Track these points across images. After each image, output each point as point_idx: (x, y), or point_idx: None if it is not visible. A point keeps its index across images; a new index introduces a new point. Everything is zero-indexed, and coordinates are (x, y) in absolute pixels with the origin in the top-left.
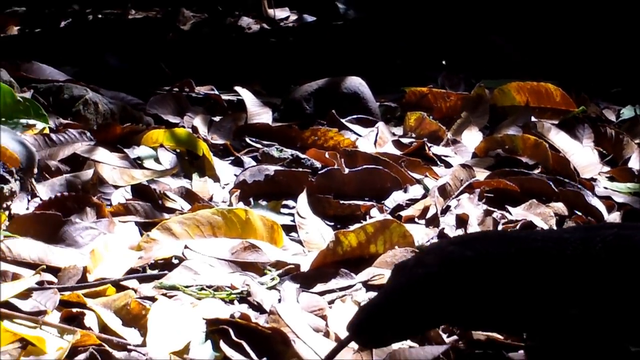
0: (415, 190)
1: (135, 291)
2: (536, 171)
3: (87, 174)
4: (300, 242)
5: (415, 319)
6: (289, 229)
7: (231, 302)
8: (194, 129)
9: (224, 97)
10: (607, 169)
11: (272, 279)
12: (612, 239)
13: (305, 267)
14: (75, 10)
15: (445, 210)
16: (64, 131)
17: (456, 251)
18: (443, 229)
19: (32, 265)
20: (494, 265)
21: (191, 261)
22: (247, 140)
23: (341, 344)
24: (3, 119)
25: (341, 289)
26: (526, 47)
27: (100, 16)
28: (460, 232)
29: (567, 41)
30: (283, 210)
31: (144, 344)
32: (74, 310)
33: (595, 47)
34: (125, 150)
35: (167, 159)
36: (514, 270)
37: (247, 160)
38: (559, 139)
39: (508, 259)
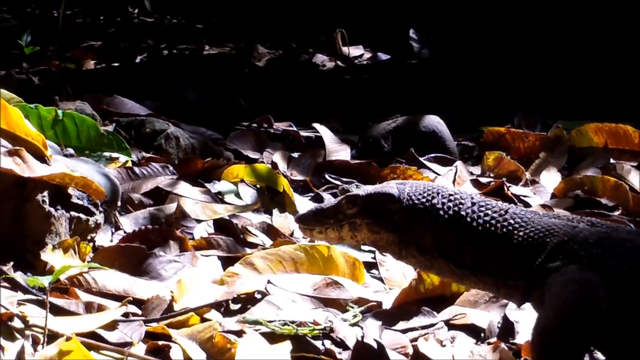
0: None
1: (220, 324)
2: (616, 213)
3: (171, 207)
4: (381, 279)
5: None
6: (370, 266)
7: (314, 337)
8: (274, 165)
9: (302, 133)
10: None
11: (355, 316)
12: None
13: (387, 305)
14: (150, 45)
15: None
16: (147, 165)
17: (379, 191)
18: None
19: (117, 297)
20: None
21: (274, 296)
22: (327, 176)
23: None
24: (87, 152)
25: (423, 327)
26: (600, 85)
27: (175, 51)
28: None
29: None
30: (364, 247)
31: None
32: (160, 342)
33: None
34: (207, 184)
35: (248, 194)
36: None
37: (327, 197)
38: (638, 180)
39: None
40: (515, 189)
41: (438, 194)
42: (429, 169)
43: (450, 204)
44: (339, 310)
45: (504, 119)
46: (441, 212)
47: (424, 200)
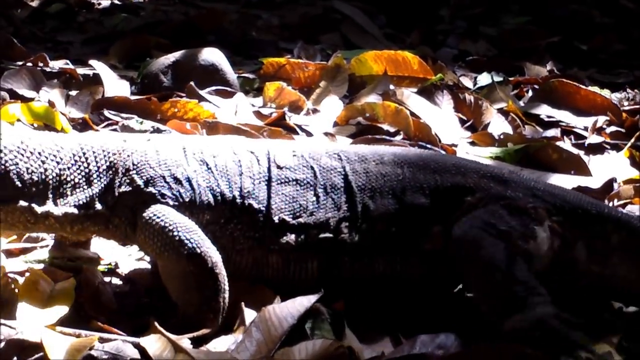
0: None
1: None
2: (398, 138)
3: None
4: None
5: None
6: None
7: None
8: (51, 104)
9: (80, 71)
10: (467, 134)
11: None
12: None
13: None
14: None
15: None
16: None
17: None
18: None
19: None
20: None
21: None
22: (106, 113)
23: None
24: None
25: None
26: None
27: None
28: None
29: None
30: None
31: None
32: None
33: None
34: None
35: None
36: None
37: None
38: (419, 105)
39: None
40: (297, 119)
41: None
42: (210, 102)
43: None
44: None
45: (283, 50)
46: None
47: None
